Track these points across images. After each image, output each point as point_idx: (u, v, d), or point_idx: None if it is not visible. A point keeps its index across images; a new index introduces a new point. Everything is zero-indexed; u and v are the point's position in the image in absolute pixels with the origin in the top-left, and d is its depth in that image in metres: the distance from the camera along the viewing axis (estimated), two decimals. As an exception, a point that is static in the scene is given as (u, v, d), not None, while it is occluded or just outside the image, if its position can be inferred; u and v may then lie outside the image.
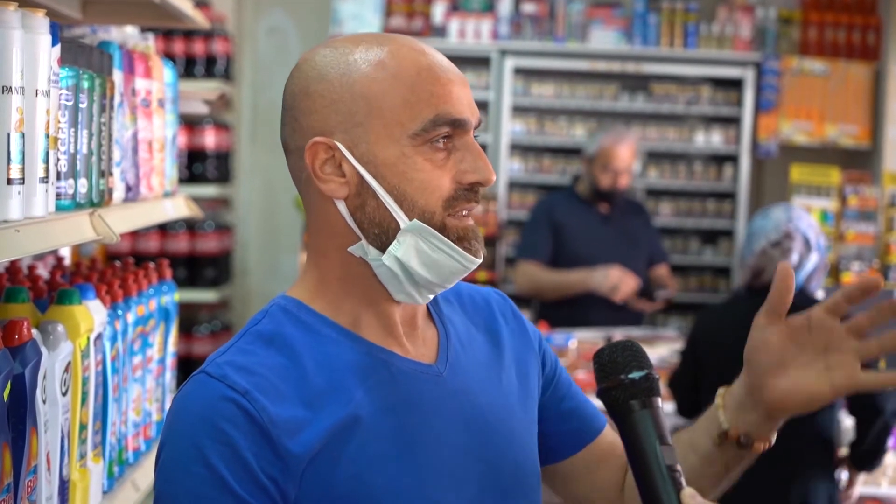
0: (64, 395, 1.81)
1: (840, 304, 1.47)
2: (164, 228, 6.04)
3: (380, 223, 1.43)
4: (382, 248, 1.43)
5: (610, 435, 1.71)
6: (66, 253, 2.84)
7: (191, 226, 6.15)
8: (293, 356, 1.42)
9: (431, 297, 1.48)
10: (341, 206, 1.44)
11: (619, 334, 5.10)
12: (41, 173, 1.66)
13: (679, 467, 1.40)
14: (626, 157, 5.31)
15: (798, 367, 1.49)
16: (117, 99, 2.18)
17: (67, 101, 1.84)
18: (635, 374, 1.42)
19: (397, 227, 1.42)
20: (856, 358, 1.48)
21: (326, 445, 1.37)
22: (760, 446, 1.55)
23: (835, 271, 5.65)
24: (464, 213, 1.44)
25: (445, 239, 1.42)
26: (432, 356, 1.51)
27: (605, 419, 1.71)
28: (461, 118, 1.43)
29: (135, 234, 5.87)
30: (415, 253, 1.42)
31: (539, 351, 1.67)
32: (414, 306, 1.51)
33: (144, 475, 2.36)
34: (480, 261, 1.45)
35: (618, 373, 1.43)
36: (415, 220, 1.41)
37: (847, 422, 4.61)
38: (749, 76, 6.50)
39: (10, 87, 1.54)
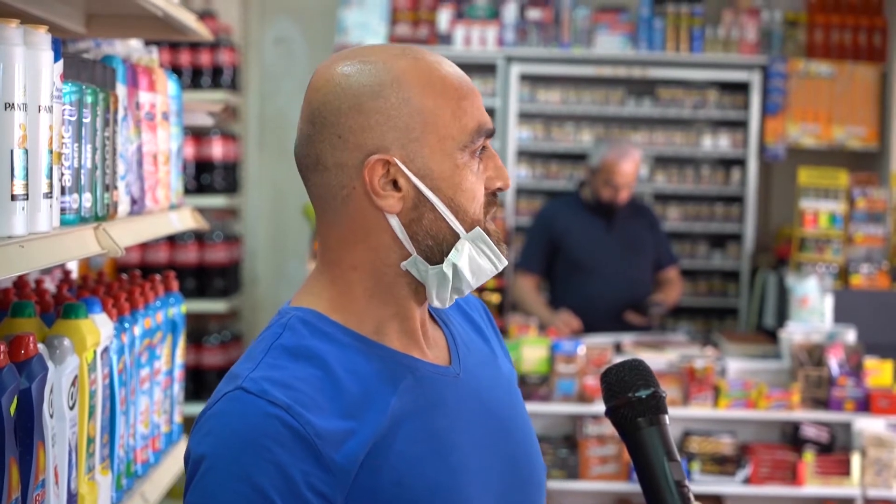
0: (71, 408, 1.82)
1: None
2: (172, 239, 6.06)
3: (435, 235, 1.46)
4: (430, 259, 1.46)
5: None
6: (73, 266, 2.85)
7: (199, 236, 6.17)
8: (324, 367, 1.42)
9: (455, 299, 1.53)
10: (394, 221, 1.46)
11: (627, 340, 5.10)
12: (45, 189, 1.66)
13: (687, 483, 1.44)
14: (627, 172, 5.35)
15: None
16: (121, 113, 2.19)
17: (71, 116, 1.85)
18: (642, 393, 1.48)
19: (453, 238, 1.46)
20: None
21: (369, 454, 1.39)
22: None
23: (844, 274, 5.64)
24: (491, 217, 1.50)
25: (493, 244, 1.48)
26: (445, 358, 1.55)
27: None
28: (493, 127, 1.50)
29: (143, 246, 5.89)
30: (467, 261, 1.47)
31: (507, 356, 1.71)
32: (424, 310, 1.54)
33: (154, 487, 2.36)
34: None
35: (625, 391, 1.49)
36: (477, 228, 1.47)
37: (859, 423, 4.60)
38: (755, 79, 6.49)
39: (13, 104, 1.55)
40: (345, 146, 1.45)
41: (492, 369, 1.61)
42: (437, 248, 1.46)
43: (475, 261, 1.47)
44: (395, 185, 1.44)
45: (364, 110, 1.44)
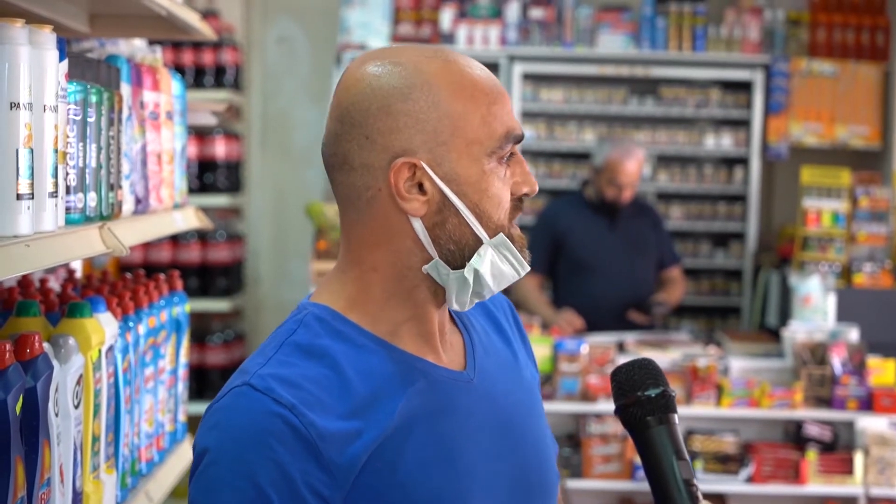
0: (76, 407, 1.83)
1: None
2: (175, 239, 6.07)
3: (458, 240, 1.45)
4: (451, 263, 1.46)
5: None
6: (77, 265, 2.85)
7: (202, 235, 6.17)
8: (334, 366, 1.42)
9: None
10: (417, 224, 1.45)
11: (630, 339, 5.11)
12: (50, 188, 1.67)
13: (696, 481, 1.45)
14: (631, 171, 5.35)
15: None
16: (125, 112, 2.19)
17: (76, 115, 1.85)
18: (651, 392, 1.49)
19: (476, 243, 1.46)
20: None
21: (373, 455, 1.39)
22: None
23: (847, 273, 5.64)
24: (515, 222, 1.50)
25: (516, 250, 1.47)
26: (461, 362, 1.54)
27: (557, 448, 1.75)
28: (521, 133, 1.49)
29: (146, 245, 5.89)
30: (489, 266, 1.46)
31: (532, 359, 1.70)
32: (444, 313, 1.53)
33: (158, 486, 2.37)
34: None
35: (634, 390, 1.50)
36: (500, 234, 1.46)
37: (862, 422, 4.61)
38: (758, 78, 6.49)
39: (19, 104, 1.55)
40: (372, 147, 1.44)
41: (511, 373, 1.60)
42: (459, 252, 1.46)
43: (497, 266, 1.47)
44: (421, 188, 1.44)
45: (392, 112, 1.43)
